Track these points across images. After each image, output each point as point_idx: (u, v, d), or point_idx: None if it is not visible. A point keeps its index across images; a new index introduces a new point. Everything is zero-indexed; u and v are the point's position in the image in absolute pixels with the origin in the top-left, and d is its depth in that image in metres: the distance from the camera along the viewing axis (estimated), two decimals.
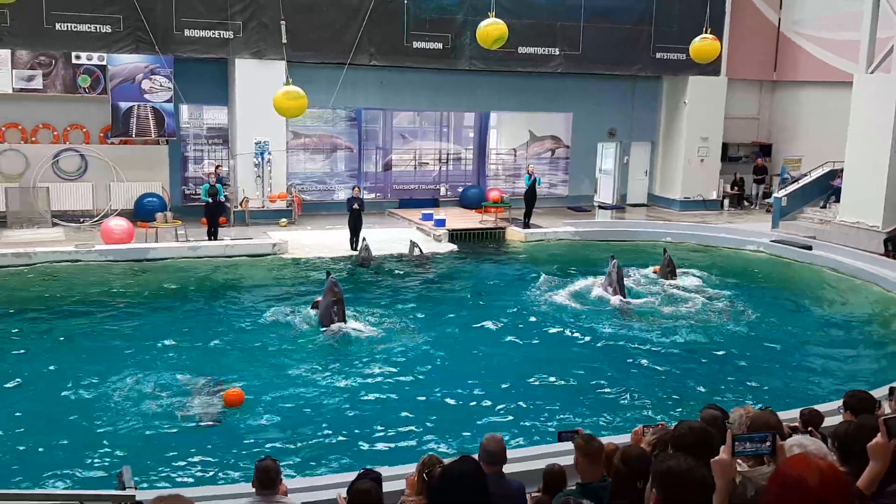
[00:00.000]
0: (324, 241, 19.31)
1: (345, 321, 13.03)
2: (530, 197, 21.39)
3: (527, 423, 9.79)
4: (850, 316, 15.30)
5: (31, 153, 19.89)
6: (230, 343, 12.58)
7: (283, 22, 19.39)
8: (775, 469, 2.56)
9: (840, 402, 5.55)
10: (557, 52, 22.97)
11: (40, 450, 8.82)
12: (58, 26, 18.51)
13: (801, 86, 25.83)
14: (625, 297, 15.04)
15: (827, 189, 22.05)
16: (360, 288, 16.03)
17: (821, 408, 7.01)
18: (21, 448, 8.85)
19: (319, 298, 13.55)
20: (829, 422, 6.41)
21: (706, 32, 16.18)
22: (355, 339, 12.79)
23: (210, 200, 18.41)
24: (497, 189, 24.08)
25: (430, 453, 5.70)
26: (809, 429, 5.69)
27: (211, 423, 9.56)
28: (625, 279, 15.48)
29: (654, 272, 16.97)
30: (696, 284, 16.67)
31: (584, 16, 22.98)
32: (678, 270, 17.13)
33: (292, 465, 8.32)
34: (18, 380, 10.80)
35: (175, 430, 9.33)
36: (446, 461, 4.88)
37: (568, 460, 5.93)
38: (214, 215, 18.64)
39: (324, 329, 12.93)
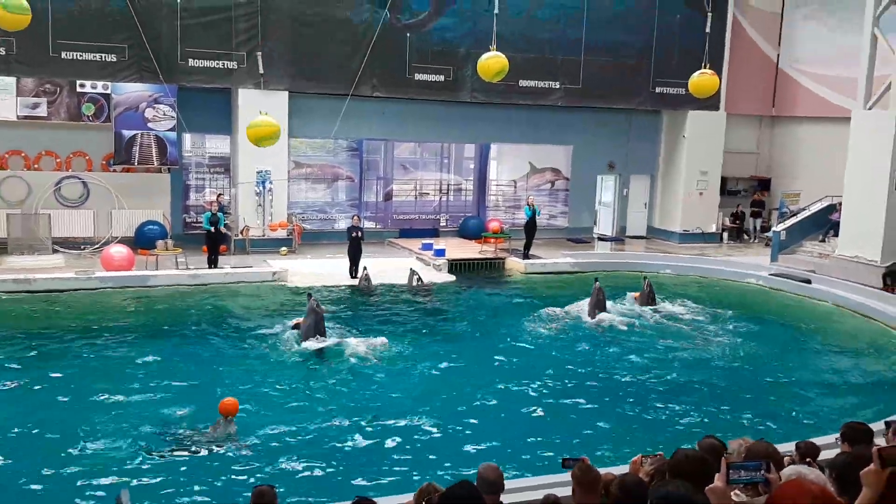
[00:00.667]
0: (324, 270, 19.34)
1: (325, 336, 13.64)
2: (530, 228, 21.47)
3: (524, 454, 9.74)
4: (848, 349, 15.29)
5: (34, 180, 20.00)
6: (225, 372, 12.53)
7: (259, 54, 19.48)
8: (770, 496, 2.57)
9: (837, 435, 5.55)
10: (558, 86, 23.19)
11: (39, 474, 8.78)
12: (63, 55, 18.72)
13: (799, 121, 26.05)
14: (599, 319, 15.93)
15: (825, 223, 22.14)
16: (359, 316, 16.03)
17: (818, 440, 6.98)
18: (20, 472, 8.83)
19: (300, 319, 14.04)
20: (826, 454, 6.40)
21: (705, 68, 16.35)
22: (350, 367, 12.80)
23: (212, 229, 18.49)
24: (497, 220, 24.19)
25: (429, 481, 5.68)
26: (808, 460, 5.68)
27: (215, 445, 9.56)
28: (608, 304, 16.47)
29: (634, 298, 17.46)
30: (689, 315, 16.85)
31: (584, 50, 23.23)
32: (661, 297, 17.65)
33: (286, 493, 8.27)
34: (16, 404, 10.78)
35: (172, 456, 9.30)
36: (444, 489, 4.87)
37: (565, 491, 5.92)
38: (215, 243, 18.71)
39: (304, 342, 13.47)
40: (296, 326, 14.13)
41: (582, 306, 16.49)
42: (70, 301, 16.18)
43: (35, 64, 18.71)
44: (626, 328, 15.60)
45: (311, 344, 13.41)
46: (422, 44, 21.76)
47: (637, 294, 17.49)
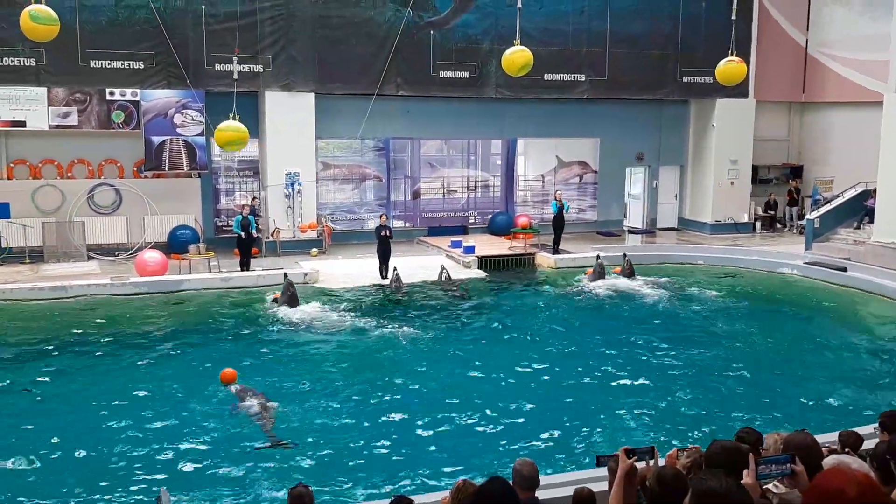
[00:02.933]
0: (354, 270, 19.40)
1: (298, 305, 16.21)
2: (558, 223, 21.35)
3: (556, 449, 9.71)
4: (885, 337, 15.05)
5: (67, 188, 20.30)
6: (262, 368, 12.67)
7: (235, 57, 19.46)
8: (811, 483, 2.52)
9: (876, 424, 5.47)
10: (583, 78, 23.05)
11: (80, 477, 8.93)
12: (92, 63, 19.00)
13: (830, 107, 25.65)
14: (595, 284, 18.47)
15: (860, 210, 21.79)
16: (391, 314, 16.09)
17: (858, 430, 6.88)
18: (62, 474, 8.99)
19: (278, 294, 16.61)
20: (868, 445, 6.30)
21: (732, 55, 16.16)
22: (386, 362, 12.87)
23: (242, 235, 18.56)
24: (526, 215, 24.10)
25: (464, 478, 5.67)
26: (847, 450, 5.60)
27: (265, 445, 9.65)
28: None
29: (616, 272, 19.31)
30: (718, 303, 16.80)
31: (609, 42, 23.06)
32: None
33: (322, 493, 8.32)
34: (57, 407, 10.96)
35: (210, 458, 9.39)
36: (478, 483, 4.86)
37: (600, 486, 5.89)
38: (247, 247, 18.80)
39: (279, 307, 16.13)
40: (275, 300, 16.58)
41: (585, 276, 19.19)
42: (105, 307, 16.36)
43: (64, 73, 19.00)
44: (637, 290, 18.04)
45: (284, 308, 16.01)
46: (445, 41, 21.74)
47: (617, 268, 19.45)
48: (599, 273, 18.98)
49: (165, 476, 8.78)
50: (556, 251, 21.27)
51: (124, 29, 19.15)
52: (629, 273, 19.19)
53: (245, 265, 18.75)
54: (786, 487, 4.07)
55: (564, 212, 21.45)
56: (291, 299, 16.33)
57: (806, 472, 3.78)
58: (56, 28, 12.65)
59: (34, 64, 18.57)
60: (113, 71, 19.24)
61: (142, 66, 19.41)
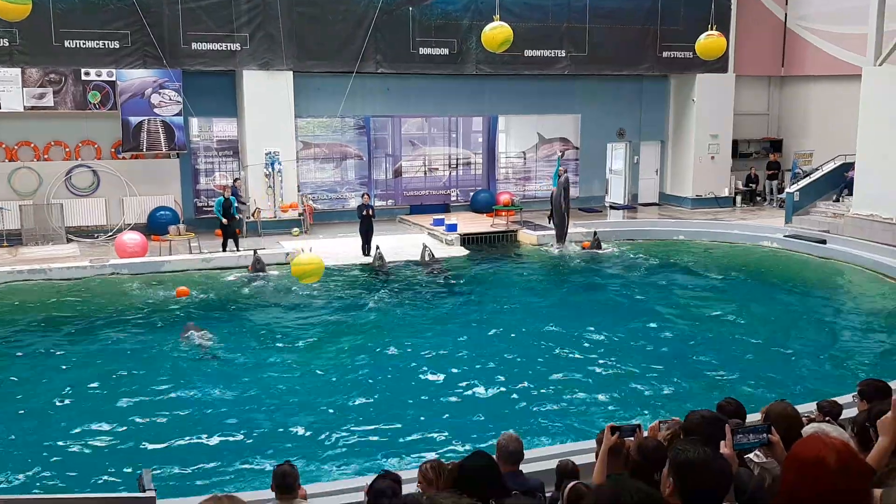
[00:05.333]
0: (337, 249, 19.32)
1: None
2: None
3: (542, 422, 9.78)
4: (866, 308, 15.24)
5: (44, 170, 20.05)
6: (248, 350, 12.67)
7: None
8: (790, 452, 2.54)
9: (855, 393, 5.53)
10: (564, 54, 22.98)
11: (59, 456, 8.92)
12: (66, 43, 18.71)
13: (809, 80, 25.73)
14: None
15: (839, 182, 21.93)
16: (375, 293, 16.07)
17: (837, 399, 6.96)
18: (43, 454, 8.98)
19: (250, 265, 17.68)
20: (847, 414, 6.38)
21: (711, 29, 16.15)
22: (370, 341, 12.88)
23: (224, 221, 18.30)
24: (508, 192, 24.09)
25: (438, 459, 5.62)
26: (827, 419, 5.66)
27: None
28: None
29: (584, 247, 20.11)
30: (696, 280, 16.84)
31: (589, 17, 22.98)
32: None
33: (310, 470, 8.34)
34: (42, 386, 10.92)
35: (192, 437, 9.39)
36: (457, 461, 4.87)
37: (580, 459, 5.94)
38: (229, 229, 18.58)
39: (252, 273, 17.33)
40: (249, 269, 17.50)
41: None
42: (85, 289, 16.24)
43: (38, 54, 18.70)
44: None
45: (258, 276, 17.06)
46: (424, 18, 21.56)
47: (586, 242, 20.25)
48: (596, 246, 20.06)
49: (144, 459, 8.75)
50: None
51: (99, 8, 18.84)
52: (596, 245, 20.19)
53: (224, 246, 18.61)
54: (765, 457, 4.11)
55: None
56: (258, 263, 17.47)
57: (786, 442, 3.81)
58: (28, 7, 12.38)
59: (7, 44, 18.25)
60: (88, 51, 18.96)
61: (117, 46, 19.14)
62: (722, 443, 3.26)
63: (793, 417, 4.73)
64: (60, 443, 9.28)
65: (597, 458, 4.86)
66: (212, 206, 19.75)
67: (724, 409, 5.11)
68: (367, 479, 5.60)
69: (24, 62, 18.79)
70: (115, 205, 20.56)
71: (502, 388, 10.90)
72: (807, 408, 6.82)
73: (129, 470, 8.48)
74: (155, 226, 20.03)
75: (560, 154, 22.91)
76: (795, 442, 2.54)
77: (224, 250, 18.54)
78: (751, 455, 4.18)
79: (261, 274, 17.38)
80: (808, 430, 3.85)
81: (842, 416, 6.16)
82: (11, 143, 20.00)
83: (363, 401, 10.52)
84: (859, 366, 11.82)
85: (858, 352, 12.70)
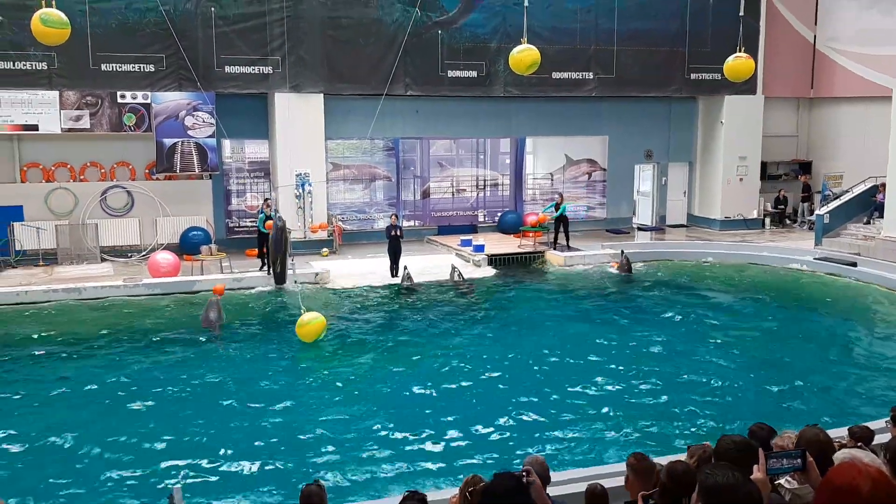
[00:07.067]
0: (365, 270, 19.49)
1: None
2: (560, 222, 21.68)
3: (567, 445, 9.78)
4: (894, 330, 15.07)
5: (80, 191, 20.45)
6: (269, 371, 12.79)
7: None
8: (824, 478, 2.57)
9: (888, 419, 5.52)
10: (591, 76, 23.08)
11: (93, 473, 9.06)
12: (103, 66, 19.15)
13: (838, 102, 25.60)
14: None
15: (870, 204, 21.76)
16: (402, 314, 16.17)
17: (870, 425, 6.93)
18: (77, 467, 9.16)
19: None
20: (880, 439, 6.35)
21: (740, 51, 16.17)
22: (396, 361, 12.95)
23: (266, 231, 18.52)
24: (535, 213, 24.14)
25: (473, 474, 5.73)
26: (859, 444, 5.65)
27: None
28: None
29: (613, 266, 20.27)
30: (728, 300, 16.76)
31: (617, 39, 23.08)
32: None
33: (336, 490, 8.41)
34: (71, 405, 11.10)
35: (223, 457, 9.50)
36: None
37: (611, 483, 5.96)
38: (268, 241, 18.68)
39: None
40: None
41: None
42: (119, 308, 16.50)
43: (76, 77, 19.15)
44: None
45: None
46: (453, 40, 21.79)
47: (615, 262, 20.35)
48: (626, 268, 20.01)
49: (176, 477, 8.88)
50: (567, 247, 21.38)
51: (134, 32, 19.28)
52: (627, 269, 19.98)
53: (264, 262, 18.72)
54: (798, 482, 4.12)
55: (564, 213, 21.68)
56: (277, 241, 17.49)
57: (818, 467, 3.83)
58: (67, 32, 12.73)
59: (46, 68, 18.74)
60: (124, 74, 19.39)
61: (152, 69, 19.55)
62: (755, 467, 3.28)
63: (824, 443, 4.74)
64: (78, 465, 9.40)
65: (626, 483, 4.91)
66: (244, 227, 19.97)
67: (756, 435, 5.12)
68: (395, 500, 5.66)
69: (62, 85, 19.24)
70: (148, 225, 20.90)
71: (532, 411, 10.91)
72: (838, 433, 6.79)
73: (161, 486, 8.63)
74: (187, 246, 20.33)
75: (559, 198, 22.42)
76: (830, 468, 2.56)
77: (263, 265, 18.74)
78: (782, 481, 4.20)
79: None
80: (840, 455, 3.87)
81: (874, 442, 6.15)
82: (48, 164, 20.43)
83: (387, 421, 10.58)
84: (890, 391, 11.69)
85: (891, 376, 12.56)
